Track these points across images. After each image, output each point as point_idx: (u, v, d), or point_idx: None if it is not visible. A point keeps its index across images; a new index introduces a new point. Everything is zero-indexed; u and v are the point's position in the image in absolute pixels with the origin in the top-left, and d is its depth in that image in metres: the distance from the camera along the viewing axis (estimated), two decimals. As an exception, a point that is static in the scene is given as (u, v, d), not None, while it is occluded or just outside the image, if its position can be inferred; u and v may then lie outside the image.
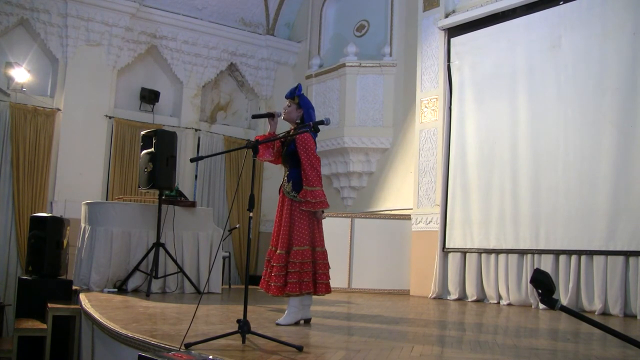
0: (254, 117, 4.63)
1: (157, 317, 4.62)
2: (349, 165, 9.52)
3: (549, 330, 4.83)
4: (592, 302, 6.31)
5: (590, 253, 6.40)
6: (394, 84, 9.34)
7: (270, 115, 4.46)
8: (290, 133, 4.36)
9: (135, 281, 6.72)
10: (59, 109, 9.11)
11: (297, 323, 4.37)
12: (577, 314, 2.95)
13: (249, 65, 11.06)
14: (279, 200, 4.45)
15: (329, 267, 4.41)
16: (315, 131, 4.30)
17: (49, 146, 8.96)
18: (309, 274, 4.25)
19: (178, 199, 7.12)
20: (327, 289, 4.37)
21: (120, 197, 8.60)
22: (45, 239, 6.66)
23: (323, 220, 4.45)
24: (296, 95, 4.46)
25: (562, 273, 6.61)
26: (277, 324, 4.25)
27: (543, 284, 2.77)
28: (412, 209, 8.43)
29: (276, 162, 4.59)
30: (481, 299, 7.44)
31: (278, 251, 4.28)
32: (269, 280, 4.31)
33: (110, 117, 9.51)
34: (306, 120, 4.45)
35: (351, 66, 9.43)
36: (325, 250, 4.41)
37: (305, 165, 4.28)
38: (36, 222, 6.88)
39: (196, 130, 10.41)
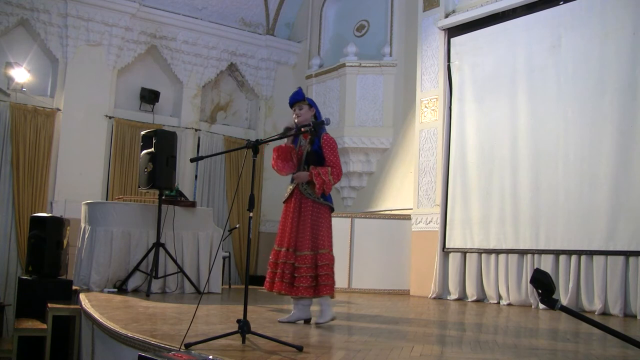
0: (282, 136, 4.35)
1: (157, 317, 4.62)
2: (349, 165, 9.52)
3: (549, 330, 4.83)
4: (592, 302, 6.31)
5: (590, 253, 6.40)
6: (394, 84, 9.34)
7: (290, 131, 4.42)
8: (302, 130, 4.34)
9: (135, 281, 6.73)
10: (59, 109, 9.11)
11: (296, 323, 4.38)
12: (577, 314, 2.96)
13: (249, 65, 11.05)
14: (291, 204, 4.44)
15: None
16: (317, 132, 4.37)
17: (49, 146, 8.95)
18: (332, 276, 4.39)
19: (178, 199, 7.12)
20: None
21: (120, 197, 8.60)
22: (45, 239, 6.66)
23: None
24: (305, 97, 4.52)
25: (562, 273, 6.62)
26: (317, 324, 4.31)
27: (543, 284, 2.77)
28: (412, 209, 8.44)
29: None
30: (481, 299, 7.44)
31: (305, 252, 4.29)
32: (287, 280, 4.28)
33: (110, 117, 9.50)
34: (318, 116, 4.53)
35: (351, 66, 9.42)
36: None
37: (334, 162, 4.37)
38: (36, 222, 6.88)
39: (196, 130, 10.40)
